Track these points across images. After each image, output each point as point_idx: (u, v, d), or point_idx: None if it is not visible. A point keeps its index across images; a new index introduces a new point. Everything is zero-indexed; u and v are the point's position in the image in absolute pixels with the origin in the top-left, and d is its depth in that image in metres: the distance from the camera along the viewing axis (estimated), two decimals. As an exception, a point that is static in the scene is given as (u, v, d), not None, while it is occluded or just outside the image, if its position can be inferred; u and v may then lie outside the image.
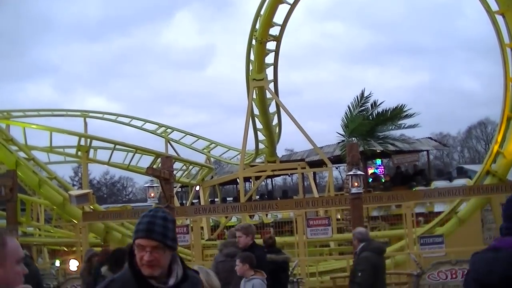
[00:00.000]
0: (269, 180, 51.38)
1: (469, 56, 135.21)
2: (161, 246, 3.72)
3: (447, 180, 32.94)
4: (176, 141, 44.69)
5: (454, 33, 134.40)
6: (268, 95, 31.34)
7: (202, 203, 36.43)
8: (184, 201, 46.47)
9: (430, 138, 46.29)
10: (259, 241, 13.04)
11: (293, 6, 28.54)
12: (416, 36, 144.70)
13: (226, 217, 31.24)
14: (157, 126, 45.40)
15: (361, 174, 14.54)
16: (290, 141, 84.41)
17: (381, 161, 44.60)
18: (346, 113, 31.62)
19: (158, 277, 3.77)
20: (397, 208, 25.86)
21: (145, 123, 45.22)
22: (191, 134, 45.56)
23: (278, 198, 36.12)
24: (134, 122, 45.07)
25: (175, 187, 37.53)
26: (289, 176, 58.76)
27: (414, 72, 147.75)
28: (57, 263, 25.66)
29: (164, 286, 3.76)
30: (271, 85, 31.54)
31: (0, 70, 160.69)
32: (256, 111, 32.41)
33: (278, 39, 30.09)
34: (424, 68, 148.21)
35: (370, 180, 36.37)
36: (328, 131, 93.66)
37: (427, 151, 42.61)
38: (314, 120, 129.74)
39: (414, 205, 20.56)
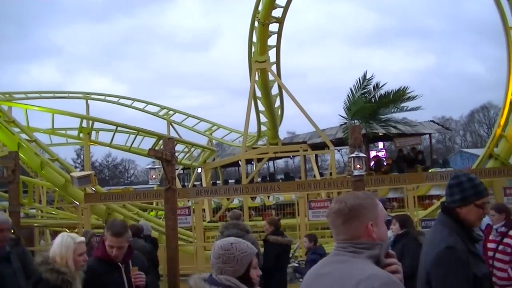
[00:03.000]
0: (271, 163, 51.36)
1: (475, 39, 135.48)
2: None
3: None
4: (178, 123, 44.72)
5: (461, 16, 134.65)
6: (271, 77, 31.26)
7: (204, 185, 36.43)
8: (186, 183, 46.55)
9: (433, 121, 46.23)
10: (261, 223, 13.04)
11: (296, -12, 28.45)
12: (423, 19, 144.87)
13: (228, 199, 31.22)
14: (159, 108, 45.42)
15: (363, 157, 14.52)
16: (292, 123, 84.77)
17: (383, 144, 44.62)
18: (348, 95, 31.63)
19: None
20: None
21: (147, 105, 45.24)
22: (193, 116, 45.57)
23: (280, 180, 36.10)
24: (136, 104, 45.10)
25: (177, 169, 37.55)
26: (291, 158, 58.58)
27: (420, 55, 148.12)
28: (59, 244, 25.74)
29: None
30: (274, 67, 31.46)
31: (4, 52, 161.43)
32: (258, 93, 32.35)
33: (280, 21, 29.98)
34: (430, 51, 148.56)
35: (373, 163, 36.34)
36: (331, 114, 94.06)
37: (430, 134, 42.56)
38: (318, 103, 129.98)
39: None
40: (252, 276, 4.40)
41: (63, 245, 5.69)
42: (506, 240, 9.41)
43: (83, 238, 5.97)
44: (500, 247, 9.43)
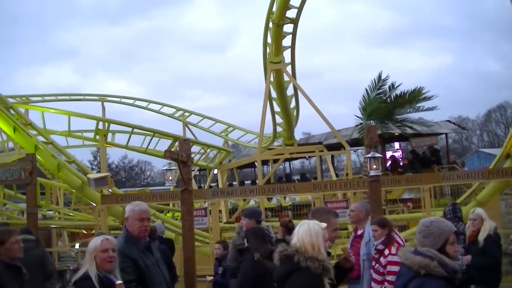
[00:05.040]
0: (287, 164, 51.34)
1: (493, 37, 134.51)
2: None
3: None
4: (194, 125, 44.81)
5: (479, 13, 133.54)
6: (286, 78, 31.27)
7: (220, 186, 36.47)
8: (202, 185, 46.58)
9: (449, 121, 46.02)
10: (278, 224, 13.03)
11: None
12: (439, 17, 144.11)
13: (244, 200, 31.26)
14: (175, 109, 45.53)
15: (379, 157, 14.47)
16: (308, 124, 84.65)
17: (399, 144, 44.48)
18: (363, 95, 31.53)
19: None
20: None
21: (162, 107, 45.37)
22: (209, 118, 45.65)
23: (296, 181, 36.08)
24: (151, 106, 45.31)
25: (193, 170, 37.63)
26: (307, 159, 58.52)
27: (436, 54, 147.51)
28: (77, 245, 25.89)
29: None
30: (289, 68, 31.48)
31: (22, 54, 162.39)
32: (274, 94, 32.36)
33: (295, 21, 29.97)
34: (447, 50, 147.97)
35: (389, 163, 36.25)
36: (347, 114, 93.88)
37: (446, 134, 42.37)
38: (334, 103, 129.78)
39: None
40: (448, 251, 5.28)
41: (312, 233, 5.69)
42: (381, 259, 9.06)
43: (325, 224, 5.98)
44: (376, 266, 9.12)
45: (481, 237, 9.95)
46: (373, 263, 9.18)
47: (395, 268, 8.37)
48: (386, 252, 8.96)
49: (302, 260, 5.51)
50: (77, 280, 6.07)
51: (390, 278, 8.68)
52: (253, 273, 7.85)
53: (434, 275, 5.09)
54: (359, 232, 10.19)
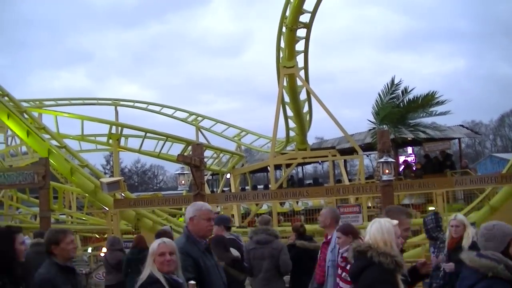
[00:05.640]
0: (299, 168, 51.28)
1: (507, 41, 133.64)
2: None
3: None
4: (207, 129, 44.92)
5: (494, 18, 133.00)
6: (299, 83, 31.26)
7: (233, 190, 36.48)
8: (214, 189, 46.61)
9: (462, 125, 45.84)
10: (290, 229, 13.04)
11: (323, -7, 28.40)
12: (454, 21, 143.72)
13: (257, 205, 31.26)
14: (188, 114, 45.63)
15: (392, 162, 14.45)
16: (321, 128, 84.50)
17: (412, 149, 44.35)
18: (376, 100, 31.49)
19: None
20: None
21: (175, 111, 45.48)
22: (222, 122, 45.74)
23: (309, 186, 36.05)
24: (165, 110, 45.42)
25: (206, 174, 37.65)
26: (319, 164, 58.49)
27: (450, 59, 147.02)
28: (89, 249, 25.94)
29: None
30: (302, 73, 31.45)
31: (36, 59, 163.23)
32: (287, 98, 32.35)
33: (308, 26, 29.95)
34: (460, 54, 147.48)
35: (402, 168, 36.15)
36: (360, 119, 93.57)
37: (459, 139, 42.19)
38: (347, 107, 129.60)
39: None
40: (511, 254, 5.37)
41: (384, 230, 5.76)
42: (348, 267, 8.48)
43: (397, 221, 6.05)
44: (343, 275, 8.80)
45: (466, 243, 9.56)
46: (339, 271, 8.96)
47: None
48: None
49: (375, 256, 5.61)
50: (143, 284, 6.06)
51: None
52: None
53: (500, 277, 5.18)
54: (328, 238, 10.10)
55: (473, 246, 9.23)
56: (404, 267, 5.78)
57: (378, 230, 5.82)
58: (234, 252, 9.74)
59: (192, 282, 6.08)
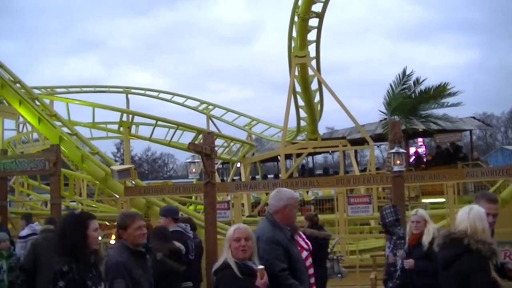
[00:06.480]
0: (309, 158, 51.25)
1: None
2: None
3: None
4: (217, 118, 44.88)
5: (509, 9, 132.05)
6: (310, 72, 31.20)
7: (243, 179, 36.49)
8: (225, 178, 46.67)
9: (474, 117, 45.67)
10: (301, 218, 13.01)
11: (336, -17, 28.34)
12: (468, 12, 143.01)
13: (267, 194, 31.27)
14: (199, 102, 45.60)
15: (403, 152, 14.40)
16: (331, 118, 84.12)
17: (423, 140, 44.26)
18: (388, 91, 31.40)
19: None
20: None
21: (186, 100, 45.45)
22: (233, 111, 45.68)
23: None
24: (175, 98, 45.40)
25: (216, 163, 37.68)
26: (330, 154, 58.44)
27: (463, 50, 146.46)
28: (99, 237, 25.98)
29: None
30: (314, 62, 31.40)
31: (47, 46, 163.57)
32: (298, 88, 32.31)
33: (320, 16, 29.90)
34: (474, 45, 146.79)
35: (412, 159, 36.07)
36: (371, 109, 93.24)
37: (470, 130, 42.04)
38: (359, 98, 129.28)
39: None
40: None
41: (482, 217, 5.81)
42: None
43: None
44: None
45: (426, 240, 9.14)
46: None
47: None
48: None
49: (472, 243, 5.60)
50: (217, 270, 6.11)
51: None
52: (155, 272, 7.80)
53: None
54: None
55: (433, 243, 9.22)
56: (499, 255, 5.78)
57: (478, 217, 5.82)
58: (177, 244, 9.67)
59: (260, 266, 6.01)
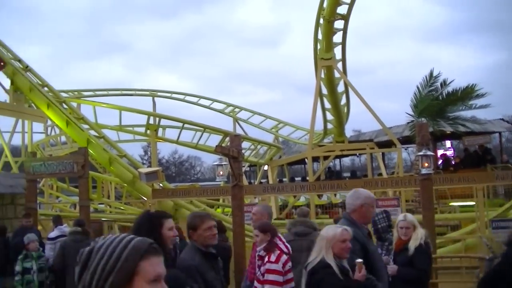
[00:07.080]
0: (337, 161, 51.15)
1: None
2: None
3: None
4: (244, 121, 44.97)
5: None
6: (337, 75, 31.13)
7: (271, 182, 36.48)
8: (252, 180, 46.69)
9: (503, 119, 45.25)
10: (329, 221, 12.99)
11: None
12: (496, 13, 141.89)
13: (295, 197, 31.24)
14: (225, 105, 45.69)
15: (431, 155, 14.31)
16: (358, 121, 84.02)
17: (451, 142, 43.93)
18: (415, 93, 31.19)
19: None
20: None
21: (213, 102, 45.62)
22: (259, 114, 45.73)
23: (346, 178, 35.91)
24: (202, 101, 45.56)
25: (243, 166, 37.74)
26: (357, 156, 58.35)
27: (492, 51, 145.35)
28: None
29: None
30: (339, 64, 31.33)
31: (74, 49, 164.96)
32: (324, 90, 32.26)
33: (346, 18, 29.82)
34: (503, 46, 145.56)
35: (440, 161, 35.84)
36: (399, 111, 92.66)
37: (499, 133, 41.65)
38: (386, 100, 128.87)
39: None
40: None
41: None
42: (263, 267, 8.52)
43: None
44: (258, 273, 8.63)
45: (412, 245, 8.88)
46: (256, 270, 8.82)
47: (273, 277, 8.28)
48: (266, 259, 8.53)
49: None
50: (316, 268, 6.14)
51: (267, 287, 8.37)
52: None
53: None
54: None
55: (419, 249, 8.89)
56: None
57: None
58: None
59: (359, 260, 6.17)
